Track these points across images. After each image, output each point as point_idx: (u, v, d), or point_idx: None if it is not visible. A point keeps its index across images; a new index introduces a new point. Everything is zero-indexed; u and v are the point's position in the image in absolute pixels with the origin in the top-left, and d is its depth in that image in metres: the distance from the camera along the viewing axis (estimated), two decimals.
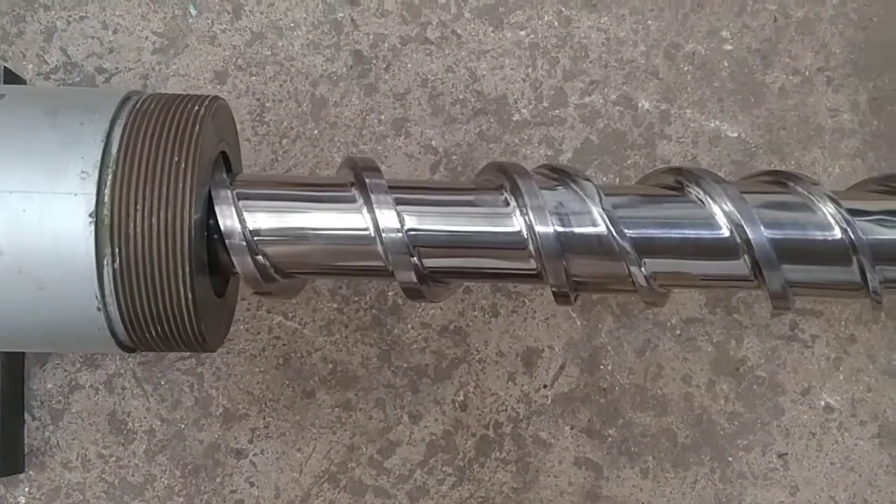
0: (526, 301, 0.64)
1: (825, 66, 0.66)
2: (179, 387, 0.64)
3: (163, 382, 0.64)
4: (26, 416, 0.64)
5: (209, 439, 0.64)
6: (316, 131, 0.65)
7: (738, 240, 0.44)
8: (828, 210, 0.44)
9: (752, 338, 0.64)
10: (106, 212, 0.39)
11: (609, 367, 0.64)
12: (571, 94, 0.66)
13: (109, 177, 0.39)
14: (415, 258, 0.44)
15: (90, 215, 0.39)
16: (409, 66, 0.66)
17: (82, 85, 0.65)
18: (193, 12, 0.66)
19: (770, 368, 0.64)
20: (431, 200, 0.46)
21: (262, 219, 0.44)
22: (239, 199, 0.43)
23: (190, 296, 0.40)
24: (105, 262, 0.39)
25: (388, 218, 0.43)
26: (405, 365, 0.64)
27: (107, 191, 0.39)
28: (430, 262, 0.45)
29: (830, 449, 0.64)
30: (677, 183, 0.46)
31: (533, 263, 0.45)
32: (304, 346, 0.64)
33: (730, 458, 0.64)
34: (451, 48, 0.66)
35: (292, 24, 0.66)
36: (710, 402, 0.64)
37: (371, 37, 0.66)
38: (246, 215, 0.43)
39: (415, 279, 0.45)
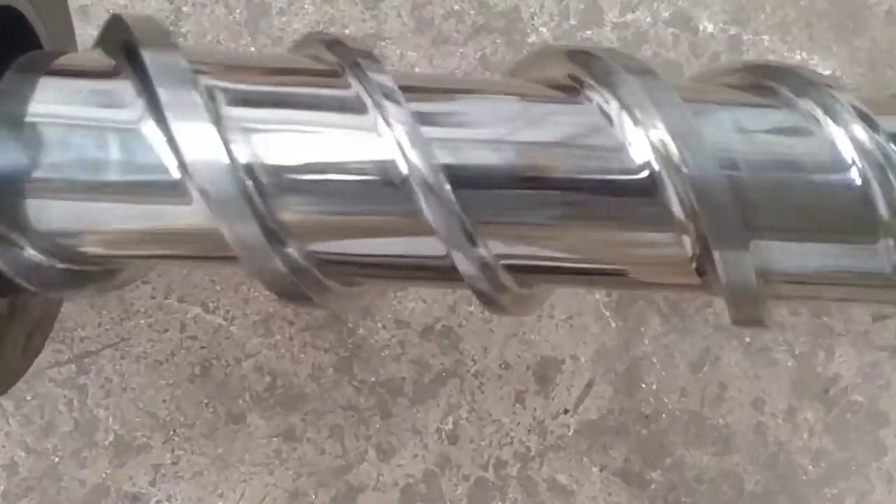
0: None
1: None
2: (53, 404, 0.45)
3: (29, 398, 0.45)
4: None
5: (94, 479, 0.44)
6: (252, 48, 0.46)
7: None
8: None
9: (847, 349, 0.46)
10: None
11: (654, 387, 0.46)
12: (609, 8, 0.47)
13: None
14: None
15: None
16: None
17: None
18: None
19: (869, 391, 0.46)
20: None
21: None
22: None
23: None
24: None
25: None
26: (373, 379, 0.45)
27: None
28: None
29: None
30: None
31: None
32: (232, 350, 0.45)
33: None
34: None
35: None
36: (789, 435, 0.46)
37: None
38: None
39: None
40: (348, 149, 0.24)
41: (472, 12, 0.46)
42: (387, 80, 0.25)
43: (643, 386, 0.46)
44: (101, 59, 0.25)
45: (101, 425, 0.45)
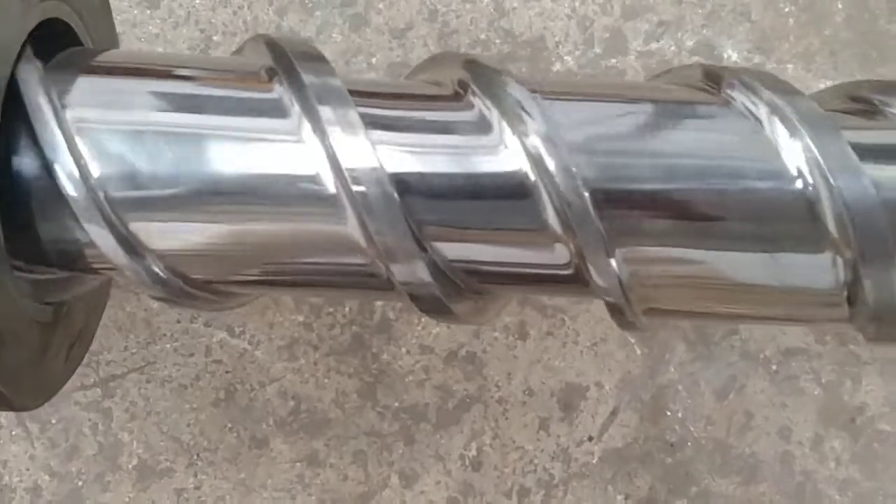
0: (566, 319, 0.45)
1: None
2: (78, 427, 0.44)
3: (54, 421, 0.45)
4: None
5: (117, 503, 0.44)
6: None
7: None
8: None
9: (874, 377, 0.46)
10: None
11: (679, 415, 0.45)
12: (633, 38, 0.47)
13: None
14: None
15: None
16: None
17: None
18: None
19: None
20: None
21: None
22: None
23: None
24: None
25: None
26: (396, 404, 0.45)
27: None
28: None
29: None
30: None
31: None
32: (256, 374, 0.45)
33: None
34: None
35: None
36: (815, 464, 0.45)
37: None
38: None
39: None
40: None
41: (497, 41, 0.47)
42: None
43: (668, 414, 0.45)
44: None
45: (125, 449, 0.44)
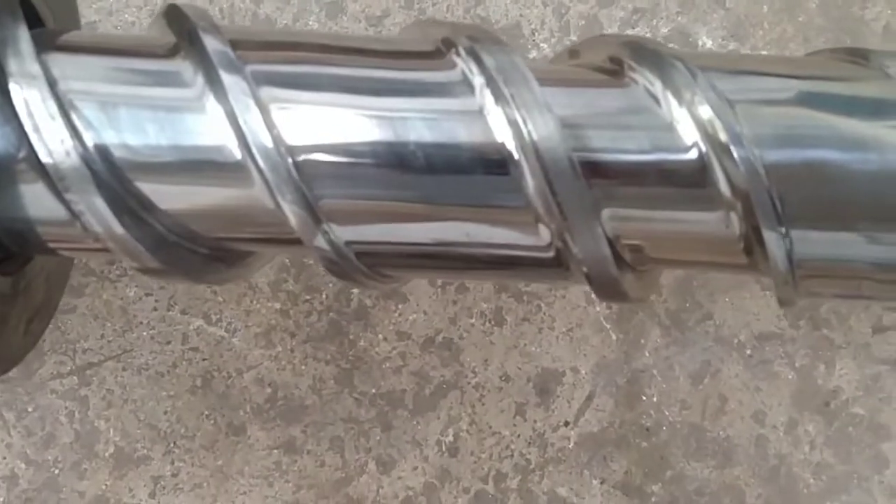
0: (542, 305, 0.46)
1: None
2: (54, 415, 0.45)
3: (30, 409, 0.45)
4: None
5: (93, 491, 0.44)
6: None
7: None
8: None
9: (848, 361, 0.46)
10: None
11: (654, 399, 0.46)
12: (609, 24, 0.47)
13: None
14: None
15: None
16: None
17: None
18: None
19: (870, 404, 0.46)
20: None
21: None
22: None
23: None
24: None
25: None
26: (374, 391, 0.45)
27: None
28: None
29: None
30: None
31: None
32: (233, 361, 0.45)
33: None
34: None
35: None
36: (789, 448, 0.46)
37: None
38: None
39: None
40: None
41: None
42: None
43: (644, 398, 0.46)
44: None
45: (101, 437, 0.44)
